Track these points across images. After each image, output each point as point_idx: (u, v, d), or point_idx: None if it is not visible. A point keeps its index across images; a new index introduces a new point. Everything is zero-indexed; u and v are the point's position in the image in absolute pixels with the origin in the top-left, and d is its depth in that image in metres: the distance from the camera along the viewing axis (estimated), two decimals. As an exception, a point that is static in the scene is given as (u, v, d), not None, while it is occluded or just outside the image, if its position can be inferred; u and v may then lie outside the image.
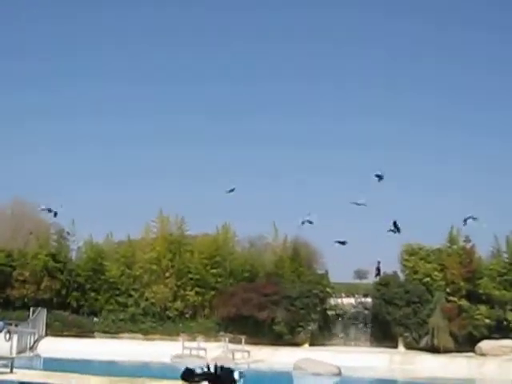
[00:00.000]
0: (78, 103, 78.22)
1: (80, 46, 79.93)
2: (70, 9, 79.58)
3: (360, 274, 47.77)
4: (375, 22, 79.69)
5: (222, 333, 39.91)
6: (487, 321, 38.31)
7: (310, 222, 38.00)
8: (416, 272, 41.21)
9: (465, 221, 38.79)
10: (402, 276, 42.23)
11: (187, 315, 43.77)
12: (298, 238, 45.27)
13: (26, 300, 43.01)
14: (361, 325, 41.91)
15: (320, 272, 44.05)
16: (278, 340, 40.16)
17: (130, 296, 44.37)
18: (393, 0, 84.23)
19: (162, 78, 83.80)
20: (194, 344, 37.62)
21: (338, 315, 42.59)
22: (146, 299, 43.83)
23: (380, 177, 36.29)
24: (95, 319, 44.32)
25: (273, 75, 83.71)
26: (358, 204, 38.77)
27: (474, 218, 37.54)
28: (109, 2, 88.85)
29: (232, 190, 39.57)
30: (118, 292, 44.69)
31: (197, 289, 43.72)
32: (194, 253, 44.72)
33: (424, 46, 76.99)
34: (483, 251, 42.13)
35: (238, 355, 36.24)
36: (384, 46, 77.32)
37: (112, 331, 43.19)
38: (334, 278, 43.45)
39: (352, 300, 42.92)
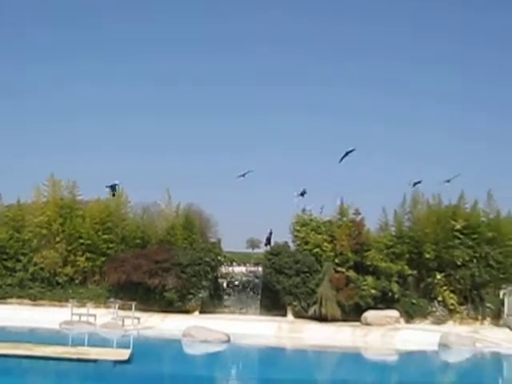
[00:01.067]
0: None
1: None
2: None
3: (253, 244, 48.14)
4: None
5: (111, 299, 39.58)
6: (373, 291, 39.31)
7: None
8: (307, 243, 41.85)
9: (414, 185, 40.57)
10: (292, 246, 42.81)
11: (77, 281, 43.14)
12: (191, 205, 45.33)
13: None
14: (251, 293, 42.31)
15: (212, 240, 44.21)
16: (168, 307, 40.21)
17: (19, 261, 43.29)
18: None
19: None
20: (83, 310, 37.21)
21: (228, 283, 42.91)
22: (35, 264, 42.85)
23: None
24: (-19, 284, 43.24)
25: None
26: (244, 175, 40.29)
27: (419, 182, 39.82)
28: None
29: (244, 175, 41.13)
30: (5, 256, 43.49)
31: (87, 254, 43.11)
32: (85, 218, 44.02)
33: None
34: (372, 224, 43.18)
35: (127, 322, 36.05)
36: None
37: (-1, 296, 42.31)
38: (227, 247, 43.75)
39: (243, 269, 43.30)
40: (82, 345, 27.57)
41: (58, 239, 43.42)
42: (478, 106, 78.73)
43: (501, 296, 39.79)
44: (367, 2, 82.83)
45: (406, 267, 40.65)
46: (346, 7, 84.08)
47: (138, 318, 36.82)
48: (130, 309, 36.84)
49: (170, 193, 45.38)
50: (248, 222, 56.10)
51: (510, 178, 65.66)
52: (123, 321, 36.01)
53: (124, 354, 24.15)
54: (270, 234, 44.31)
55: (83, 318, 36.31)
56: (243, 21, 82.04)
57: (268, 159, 69.74)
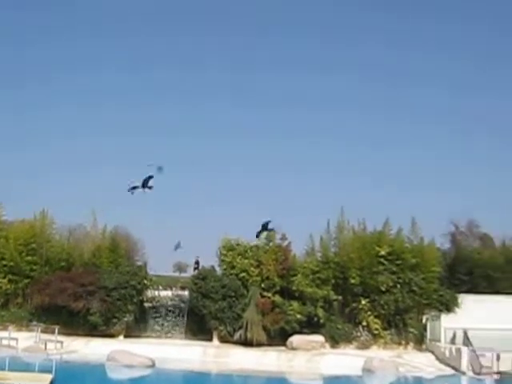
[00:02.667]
0: None
1: None
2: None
3: (180, 267, 48.14)
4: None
5: (34, 322, 38.93)
6: (299, 316, 39.50)
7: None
8: (233, 267, 41.88)
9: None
10: (219, 270, 42.78)
11: (-1, 303, 42.34)
12: (117, 228, 44.96)
13: None
14: (177, 317, 42.02)
15: (139, 264, 43.89)
16: (92, 331, 39.64)
17: None
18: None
19: None
20: (4, 334, 36.50)
21: (154, 307, 42.54)
22: (-45, 286, 41.95)
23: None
24: None
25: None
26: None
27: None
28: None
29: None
30: None
31: (10, 276, 42.22)
32: (9, 239, 43.17)
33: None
34: (298, 249, 43.44)
35: (50, 345, 35.49)
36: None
37: None
38: (154, 271, 43.53)
39: (170, 293, 43.08)
40: (3, 369, 26.87)
41: (-21, 260, 42.47)
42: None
43: (424, 321, 40.60)
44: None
45: (332, 292, 40.95)
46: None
47: (61, 342, 36.22)
48: (54, 332, 36.27)
49: (95, 215, 44.98)
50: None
51: (432, 205, 67.18)
52: (46, 344, 35.45)
53: (46, 379, 23.79)
54: (197, 258, 44.27)
55: (4, 342, 35.67)
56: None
57: (195, 182, 69.96)
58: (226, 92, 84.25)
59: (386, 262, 41.53)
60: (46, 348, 35.16)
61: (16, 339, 35.69)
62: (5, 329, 37.86)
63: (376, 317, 40.85)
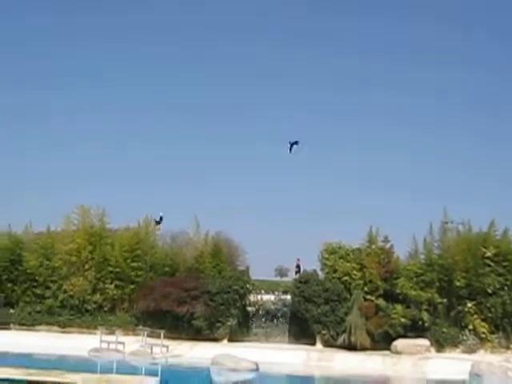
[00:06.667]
0: None
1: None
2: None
3: (281, 272, 48.11)
4: None
5: (140, 327, 39.63)
6: (403, 320, 38.94)
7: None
8: (335, 271, 41.64)
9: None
10: (321, 274, 42.57)
11: (106, 308, 43.33)
12: (219, 233, 45.32)
13: None
14: (280, 321, 42.12)
15: (241, 268, 44.14)
16: (196, 335, 40.10)
17: (48, 288, 43.66)
18: None
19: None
20: (112, 338, 37.18)
21: (257, 311, 42.73)
22: (65, 291, 43.18)
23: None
24: (11, 311, 43.47)
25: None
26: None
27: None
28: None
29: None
30: (35, 283, 43.97)
31: (116, 282, 43.34)
32: (114, 245, 44.24)
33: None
34: (401, 252, 42.86)
35: (156, 350, 35.99)
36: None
37: (28, 323, 42.46)
38: (255, 275, 43.66)
39: (272, 297, 43.12)
40: (111, 372, 27.48)
41: (87, 267, 43.65)
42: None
43: (533, 324, 39.34)
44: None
45: (436, 295, 40.25)
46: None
47: (167, 346, 36.75)
48: (159, 337, 36.78)
49: (198, 221, 45.54)
50: (276, 249, 56.08)
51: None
52: (152, 349, 35.95)
53: (152, 382, 24.06)
54: (298, 261, 44.10)
55: (112, 346, 36.30)
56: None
57: (296, 187, 69.83)
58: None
59: (492, 264, 40.50)
60: (151, 352, 35.66)
61: (123, 343, 36.34)
62: (112, 333, 38.60)
63: (483, 320, 39.82)
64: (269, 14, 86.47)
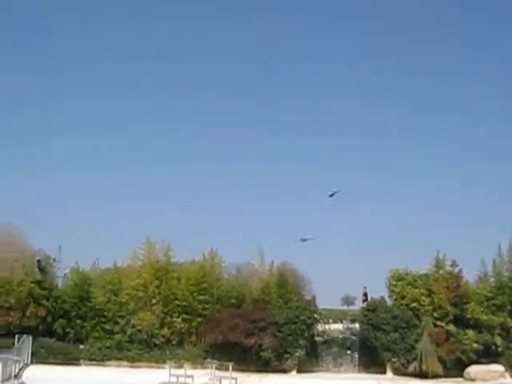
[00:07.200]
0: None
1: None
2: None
3: (347, 300, 47.78)
4: None
5: (209, 360, 39.55)
6: (475, 345, 38.23)
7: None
8: (403, 297, 41.13)
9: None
10: (389, 301, 42.08)
11: (174, 342, 43.38)
12: (284, 264, 45.20)
13: (11, 327, 42.51)
14: (349, 350, 41.69)
15: (307, 298, 43.88)
16: (265, 366, 39.90)
17: (117, 323, 43.97)
18: None
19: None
20: (181, 371, 37.20)
21: (325, 341, 42.35)
22: (133, 326, 43.41)
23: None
24: (81, 346, 43.85)
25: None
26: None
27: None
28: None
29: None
30: (104, 319, 44.32)
31: (184, 315, 43.42)
32: (180, 279, 44.42)
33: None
34: (470, 275, 42.14)
35: (225, 382, 35.87)
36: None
37: (98, 359, 42.72)
38: (321, 305, 43.32)
39: (340, 326, 42.73)
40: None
41: (154, 301, 43.86)
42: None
43: None
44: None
45: (509, 319, 39.43)
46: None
47: (236, 379, 36.56)
48: (227, 369, 36.63)
49: (262, 252, 45.45)
50: (341, 278, 55.71)
51: None
52: (221, 381, 35.86)
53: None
54: (365, 289, 43.72)
55: (181, 379, 36.24)
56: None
57: (359, 215, 69.52)
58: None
59: None
60: (220, 385, 35.59)
61: (192, 377, 36.27)
62: (180, 366, 38.61)
63: (559, 343, 38.81)
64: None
